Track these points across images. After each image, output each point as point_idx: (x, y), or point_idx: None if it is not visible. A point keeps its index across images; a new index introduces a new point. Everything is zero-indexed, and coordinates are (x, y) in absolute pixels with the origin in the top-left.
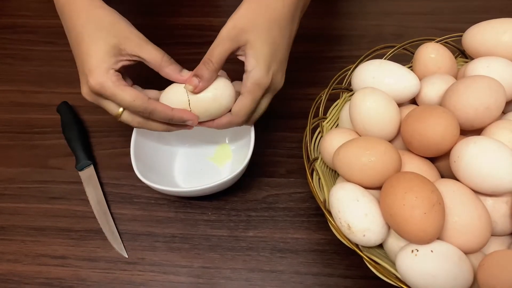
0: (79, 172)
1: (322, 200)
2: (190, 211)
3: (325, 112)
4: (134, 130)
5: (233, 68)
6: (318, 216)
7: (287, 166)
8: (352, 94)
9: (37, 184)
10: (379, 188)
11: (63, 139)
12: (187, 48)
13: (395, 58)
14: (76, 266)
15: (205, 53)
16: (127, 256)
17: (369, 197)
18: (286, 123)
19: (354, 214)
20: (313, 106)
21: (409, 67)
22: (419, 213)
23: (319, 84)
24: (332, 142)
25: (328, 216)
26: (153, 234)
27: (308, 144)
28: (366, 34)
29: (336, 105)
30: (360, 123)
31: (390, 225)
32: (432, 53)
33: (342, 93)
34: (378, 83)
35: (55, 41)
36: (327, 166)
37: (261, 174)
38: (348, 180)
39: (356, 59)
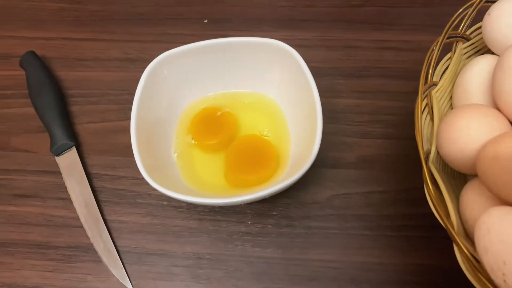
0: (56, 157)
1: (453, 225)
2: (221, 218)
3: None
4: (139, 90)
5: None
6: (414, 228)
7: (358, 150)
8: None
9: None
10: None
11: (30, 106)
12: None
13: None
14: None
15: None
16: None
17: None
18: (355, 83)
19: None
20: (426, 62)
21: None
22: None
23: (421, 27)
24: (471, 130)
25: (468, 255)
26: (169, 254)
27: (420, 128)
28: None
29: (447, 61)
30: None
31: None
32: None
33: (456, 44)
34: None
35: None
36: (443, 163)
37: (320, 163)
38: None
39: None
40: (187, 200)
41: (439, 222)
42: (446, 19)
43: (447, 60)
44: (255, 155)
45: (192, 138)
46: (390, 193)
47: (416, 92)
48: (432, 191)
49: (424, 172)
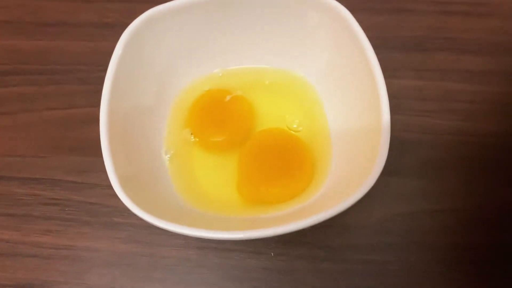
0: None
1: None
2: (231, 247)
3: None
4: (112, 65)
5: None
6: (508, 262)
7: (421, 150)
8: None
9: None
10: None
11: None
12: None
13: None
14: None
15: None
16: None
17: None
18: (413, 59)
19: None
20: None
21: None
22: None
23: None
24: None
25: None
26: None
27: None
28: None
29: None
30: None
31: None
32: None
33: None
34: None
35: None
36: None
37: None
38: None
39: None
40: (184, 233)
41: None
42: None
43: None
44: (281, 158)
45: (192, 134)
46: (468, 212)
47: (498, 71)
48: None
49: None
